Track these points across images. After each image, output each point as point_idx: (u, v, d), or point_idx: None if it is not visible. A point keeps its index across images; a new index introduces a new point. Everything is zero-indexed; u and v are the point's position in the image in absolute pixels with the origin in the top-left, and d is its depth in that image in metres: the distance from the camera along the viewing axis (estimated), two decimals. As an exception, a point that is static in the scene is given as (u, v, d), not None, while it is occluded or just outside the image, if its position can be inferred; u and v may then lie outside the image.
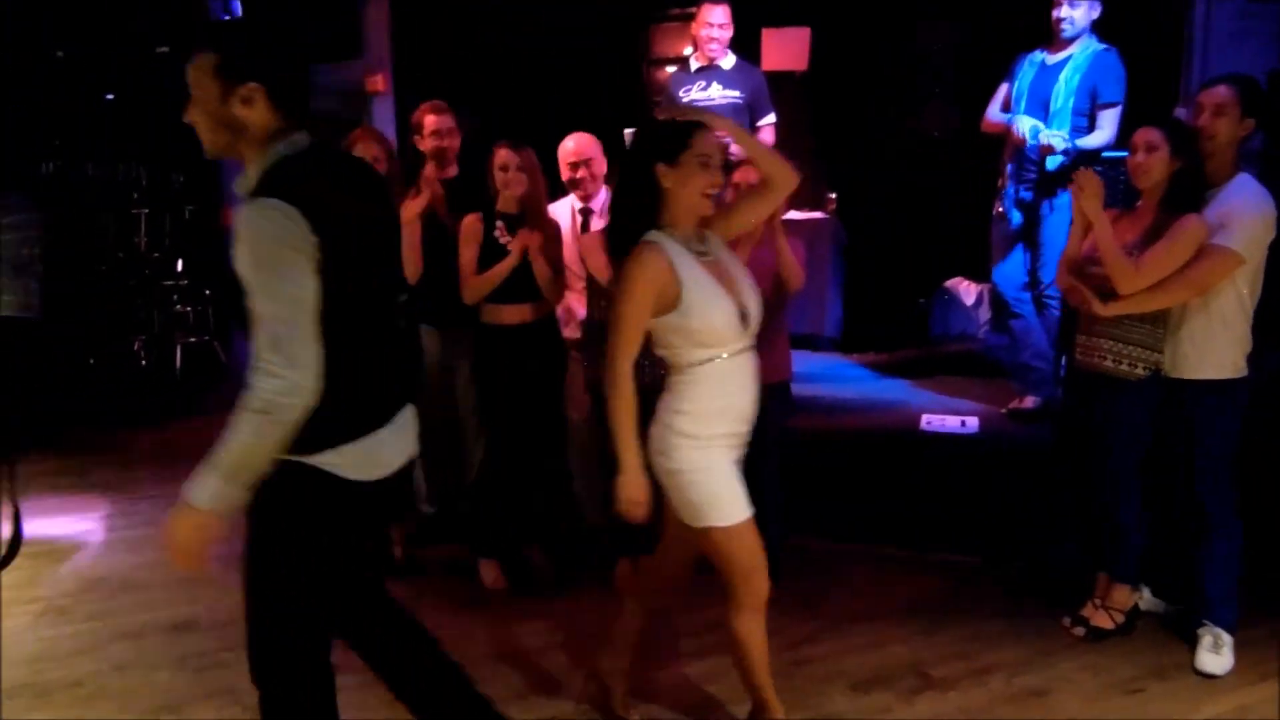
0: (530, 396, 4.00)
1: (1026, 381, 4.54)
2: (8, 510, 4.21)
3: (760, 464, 4.00)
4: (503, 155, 3.92)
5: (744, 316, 2.56)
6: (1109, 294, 3.23)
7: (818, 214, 6.43)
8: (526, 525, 4.25)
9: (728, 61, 4.94)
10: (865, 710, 3.11)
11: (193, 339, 7.48)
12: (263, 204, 1.90)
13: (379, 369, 2.14)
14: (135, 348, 7.44)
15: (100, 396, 6.85)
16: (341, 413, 2.01)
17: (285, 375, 1.88)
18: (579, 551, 4.27)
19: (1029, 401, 4.50)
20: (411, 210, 3.93)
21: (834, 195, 6.54)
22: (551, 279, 3.95)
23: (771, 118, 4.99)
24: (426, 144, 4.30)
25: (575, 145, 4.39)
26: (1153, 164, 3.18)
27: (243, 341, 6.84)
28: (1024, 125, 4.11)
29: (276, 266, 1.88)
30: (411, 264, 3.96)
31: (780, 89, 6.42)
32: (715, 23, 4.90)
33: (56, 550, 4.47)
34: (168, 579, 4.09)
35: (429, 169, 4.34)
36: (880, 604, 3.81)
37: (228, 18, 5.80)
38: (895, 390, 5.42)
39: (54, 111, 6.95)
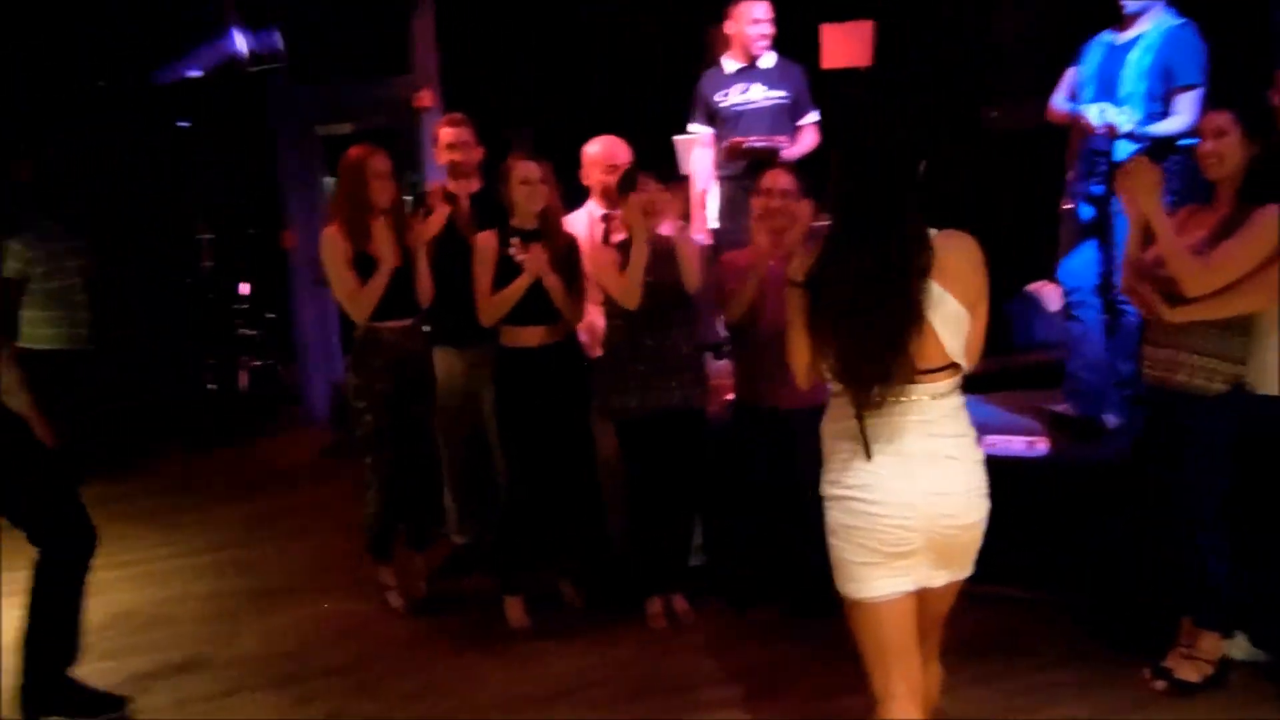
0: (553, 422, 3.78)
1: (1070, 391, 4.13)
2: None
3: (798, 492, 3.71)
4: (526, 169, 3.70)
5: None
6: (1180, 299, 2.83)
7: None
8: (555, 556, 4.02)
9: (767, 60, 4.62)
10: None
11: (257, 362, 7.50)
12: None
13: None
14: (202, 371, 7.49)
15: (166, 419, 6.92)
16: None
17: None
18: (609, 585, 4.00)
19: (1062, 405, 4.10)
20: (423, 235, 3.82)
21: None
22: (567, 297, 3.72)
23: (814, 116, 4.66)
24: (442, 157, 4.13)
25: (606, 148, 4.11)
26: (1223, 150, 2.81)
27: (306, 365, 6.77)
28: (1090, 111, 3.69)
29: None
30: (423, 287, 3.80)
31: (841, 87, 6.08)
32: (764, 18, 4.58)
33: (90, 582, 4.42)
34: (191, 614, 4.04)
35: (445, 184, 4.17)
36: (930, 646, 3.44)
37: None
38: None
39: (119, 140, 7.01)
